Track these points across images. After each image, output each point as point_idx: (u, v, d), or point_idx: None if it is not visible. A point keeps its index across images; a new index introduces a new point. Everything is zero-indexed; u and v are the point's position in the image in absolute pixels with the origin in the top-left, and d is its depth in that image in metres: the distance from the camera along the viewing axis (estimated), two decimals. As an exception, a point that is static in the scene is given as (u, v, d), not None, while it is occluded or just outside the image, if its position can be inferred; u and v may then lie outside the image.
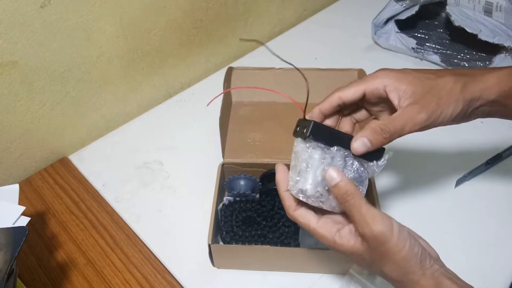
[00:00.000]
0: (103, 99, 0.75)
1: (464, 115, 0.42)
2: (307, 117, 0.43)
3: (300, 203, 0.42)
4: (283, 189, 0.43)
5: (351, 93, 0.43)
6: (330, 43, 0.96)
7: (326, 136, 0.42)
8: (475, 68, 0.43)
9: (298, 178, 0.41)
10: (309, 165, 0.41)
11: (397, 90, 0.41)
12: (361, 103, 0.46)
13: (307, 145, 0.42)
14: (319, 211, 0.42)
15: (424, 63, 0.90)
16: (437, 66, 0.88)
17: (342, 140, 0.42)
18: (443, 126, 0.43)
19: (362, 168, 0.42)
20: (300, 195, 0.41)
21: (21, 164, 0.70)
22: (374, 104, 0.45)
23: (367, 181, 0.43)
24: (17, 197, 0.50)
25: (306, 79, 0.42)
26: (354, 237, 0.39)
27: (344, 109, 0.46)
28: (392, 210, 0.63)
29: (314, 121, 0.41)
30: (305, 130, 0.41)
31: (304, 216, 0.42)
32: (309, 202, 0.41)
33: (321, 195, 0.41)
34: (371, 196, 0.58)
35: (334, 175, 0.39)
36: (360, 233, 0.38)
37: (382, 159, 0.43)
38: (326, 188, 0.40)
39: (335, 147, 0.42)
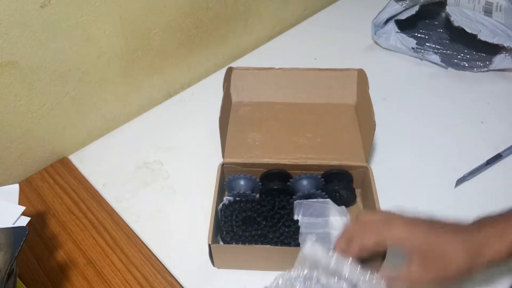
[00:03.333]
0: (103, 99, 0.75)
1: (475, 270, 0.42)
2: None
3: None
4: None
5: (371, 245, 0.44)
6: (330, 43, 0.96)
7: None
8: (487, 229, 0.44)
9: None
10: None
11: (409, 246, 0.42)
12: None
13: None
14: None
15: (424, 63, 0.90)
16: (437, 66, 0.88)
17: None
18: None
19: None
20: None
21: (21, 164, 0.70)
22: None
23: None
24: (17, 197, 0.50)
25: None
26: None
27: None
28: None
29: None
30: None
31: None
32: None
33: None
34: (371, 197, 0.58)
35: None
36: None
37: None
38: None
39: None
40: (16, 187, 0.50)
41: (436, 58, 0.88)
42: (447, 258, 0.41)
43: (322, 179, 0.63)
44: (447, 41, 0.92)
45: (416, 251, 0.42)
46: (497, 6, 0.87)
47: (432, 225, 0.44)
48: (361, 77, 0.70)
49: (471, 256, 0.42)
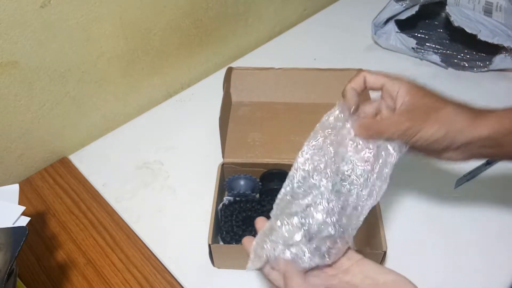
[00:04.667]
0: (103, 99, 0.75)
1: (450, 147, 0.42)
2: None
3: None
4: None
5: (373, 79, 0.45)
6: (330, 43, 0.96)
7: None
8: (483, 107, 0.42)
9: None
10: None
11: (404, 97, 0.43)
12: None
13: None
14: None
15: (424, 63, 0.90)
16: (437, 66, 0.88)
17: None
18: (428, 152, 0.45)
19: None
20: None
21: (21, 164, 0.70)
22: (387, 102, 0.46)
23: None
24: (17, 197, 0.49)
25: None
26: None
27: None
28: (392, 211, 0.63)
29: None
30: None
31: None
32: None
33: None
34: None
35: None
36: None
37: None
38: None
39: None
40: (16, 187, 0.50)
41: (436, 58, 0.88)
42: (433, 109, 0.41)
43: (322, 179, 0.63)
44: (447, 41, 0.92)
45: (407, 102, 0.41)
46: (497, 6, 0.87)
47: (434, 92, 0.43)
48: (361, 77, 0.69)
49: (456, 113, 0.41)
